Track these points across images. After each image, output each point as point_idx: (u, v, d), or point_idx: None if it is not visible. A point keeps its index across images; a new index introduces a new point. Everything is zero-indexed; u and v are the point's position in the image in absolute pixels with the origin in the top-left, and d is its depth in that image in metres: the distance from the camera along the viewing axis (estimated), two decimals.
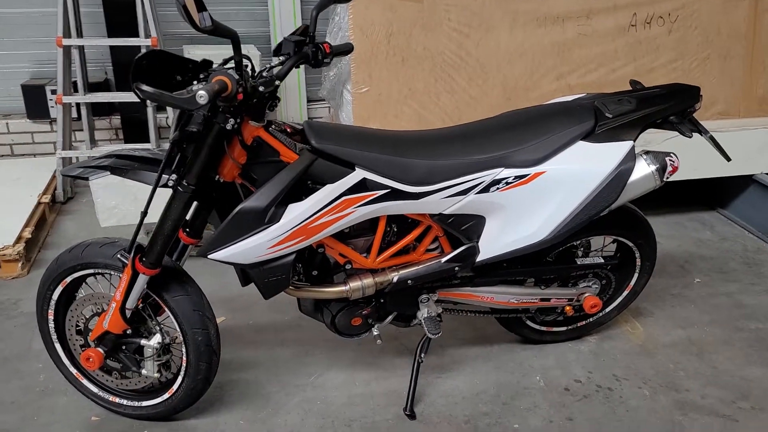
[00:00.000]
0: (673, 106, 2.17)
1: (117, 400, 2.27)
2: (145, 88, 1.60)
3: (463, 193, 2.06)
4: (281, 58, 1.93)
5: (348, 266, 2.13)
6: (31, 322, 2.80)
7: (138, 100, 1.70)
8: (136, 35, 3.88)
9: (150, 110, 3.96)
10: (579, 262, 2.42)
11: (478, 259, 2.19)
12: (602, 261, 2.44)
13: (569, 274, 2.44)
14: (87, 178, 1.99)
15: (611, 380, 2.50)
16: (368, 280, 2.13)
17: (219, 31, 1.62)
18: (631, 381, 2.49)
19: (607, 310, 2.64)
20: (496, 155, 2.06)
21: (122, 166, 1.95)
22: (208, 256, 1.91)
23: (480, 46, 3.45)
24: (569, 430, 2.26)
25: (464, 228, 2.16)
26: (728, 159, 2.28)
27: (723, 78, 3.77)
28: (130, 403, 2.27)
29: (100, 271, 2.11)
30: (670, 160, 2.14)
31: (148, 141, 4.23)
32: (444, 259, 2.18)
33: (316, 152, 1.92)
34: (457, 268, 2.19)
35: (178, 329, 2.10)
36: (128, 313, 2.05)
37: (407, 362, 2.50)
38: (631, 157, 2.09)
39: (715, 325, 2.83)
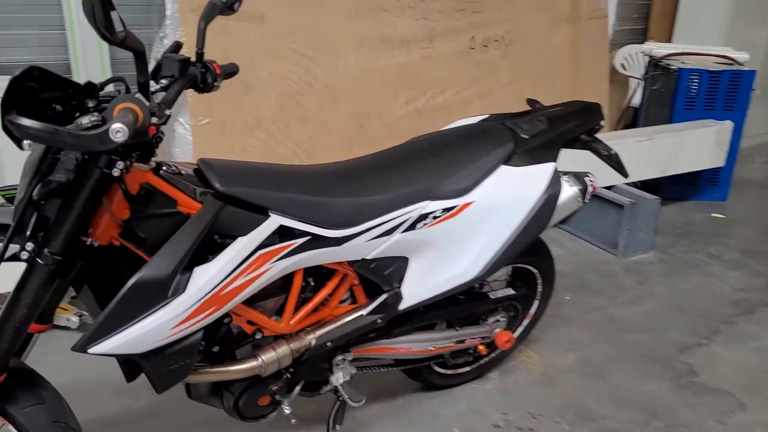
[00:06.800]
0: (583, 124, 2.09)
1: None
2: (27, 122, 1.09)
3: (389, 233, 1.77)
4: (163, 81, 1.50)
5: (258, 335, 1.72)
6: None
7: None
8: None
9: None
10: (492, 297, 2.23)
11: (403, 306, 1.90)
12: (513, 292, 2.29)
13: (483, 310, 2.24)
14: None
15: (528, 419, 2.33)
16: (283, 349, 1.74)
17: (129, 42, 1.17)
18: (547, 416, 2.35)
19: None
20: (421, 187, 1.80)
21: None
22: (89, 351, 1.38)
23: (328, 70, 3.19)
24: None
25: (387, 273, 1.86)
26: (626, 175, 2.24)
27: (552, 95, 3.90)
28: None
29: None
30: (590, 180, 2.04)
31: None
32: (366, 311, 1.86)
33: (222, 197, 1.51)
34: (380, 320, 1.88)
35: None
36: None
37: None
38: (556, 180, 1.95)
39: (599, 343, 2.82)
